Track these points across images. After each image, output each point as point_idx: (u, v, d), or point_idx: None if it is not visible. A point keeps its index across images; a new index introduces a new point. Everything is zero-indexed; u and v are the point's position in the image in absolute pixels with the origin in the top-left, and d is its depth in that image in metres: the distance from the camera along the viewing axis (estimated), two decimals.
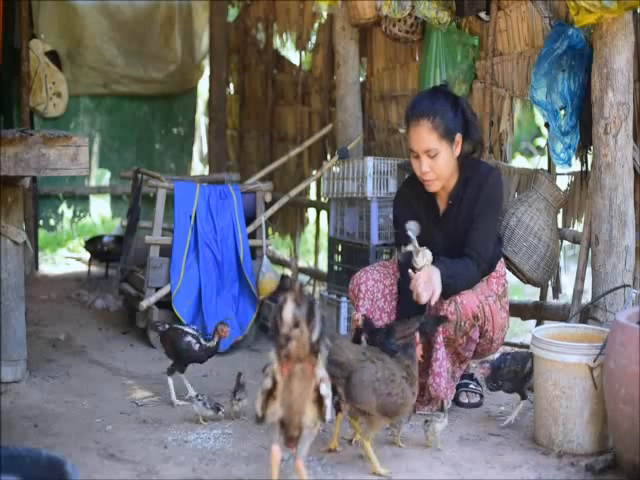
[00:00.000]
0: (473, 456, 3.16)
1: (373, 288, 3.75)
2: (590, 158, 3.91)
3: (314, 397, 2.61)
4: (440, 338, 3.55)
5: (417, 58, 5.26)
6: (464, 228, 3.65)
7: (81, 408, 3.66)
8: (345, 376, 2.93)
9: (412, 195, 3.79)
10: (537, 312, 4.53)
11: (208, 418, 3.46)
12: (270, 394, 2.61)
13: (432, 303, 3.43)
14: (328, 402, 2.63)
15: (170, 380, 3.71)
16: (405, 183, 3.94)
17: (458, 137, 3.63)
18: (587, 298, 4.02)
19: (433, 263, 3.43)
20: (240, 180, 5.97)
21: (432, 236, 3.69)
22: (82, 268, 6.86)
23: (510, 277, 4.03)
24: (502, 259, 3.84)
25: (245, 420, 3.50)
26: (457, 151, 3.65)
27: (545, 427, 3.24)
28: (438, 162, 3.59)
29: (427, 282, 3.38)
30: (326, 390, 2.62)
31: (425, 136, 3.57)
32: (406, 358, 3.05)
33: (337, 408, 3.14)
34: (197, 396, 3.48)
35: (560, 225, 4.26)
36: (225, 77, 7.82)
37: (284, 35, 7.14)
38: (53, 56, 7.19)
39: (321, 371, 2.60)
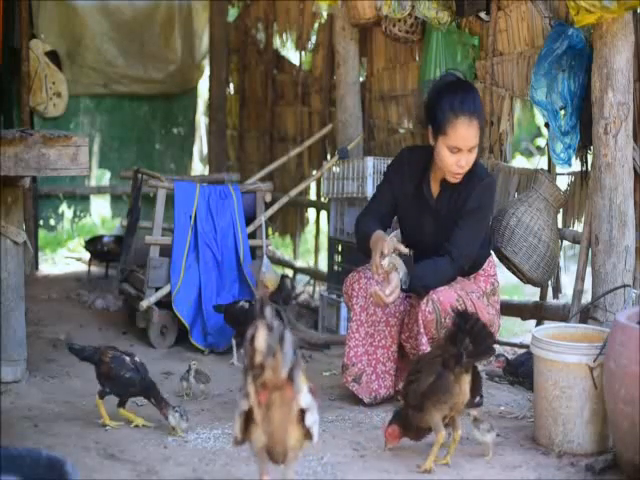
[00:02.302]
0: (473, 456, 3.15)
1: (366, 285, 3.75)
2: (590, 158, 3.91)
3: (297, 419, 2.43)
4: (424, 339, 3.55)
5: (417, 58, 5.26)
6: (453, 221, 3.65)
7: (81, 408, 3.66)
8: None
9: (409, 167, 3.77)
10: (537, 312, 4.53)
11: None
12: (248, 417, 2.44)
13: (391, 300, 3.47)
14: (315, 429, 2.46)
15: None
16: (409, 151, 3.90)
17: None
18: (587, 298, 4.02)
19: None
20: (240, 180, 5.96)
21: (422, 221, 3.71)
22: (82, 268, 6.86)
23: (510, 277, 4.03)
24: (492, 259, 3.84)
25: None
26: None
27: (545, 427, 3.23)
28: (473, 155, 3.61)
29: (383, 283, 3.48)
30: (311, 419, 2.44)
31: (474, 134, 3.58)
32: None
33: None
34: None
35: (560, 225, 4.25)
36: (225, 77, 7.82)
37: (284, 35, 7.14)
38: (53, 56, 7.18)
39: (304, 398, 2.41)
